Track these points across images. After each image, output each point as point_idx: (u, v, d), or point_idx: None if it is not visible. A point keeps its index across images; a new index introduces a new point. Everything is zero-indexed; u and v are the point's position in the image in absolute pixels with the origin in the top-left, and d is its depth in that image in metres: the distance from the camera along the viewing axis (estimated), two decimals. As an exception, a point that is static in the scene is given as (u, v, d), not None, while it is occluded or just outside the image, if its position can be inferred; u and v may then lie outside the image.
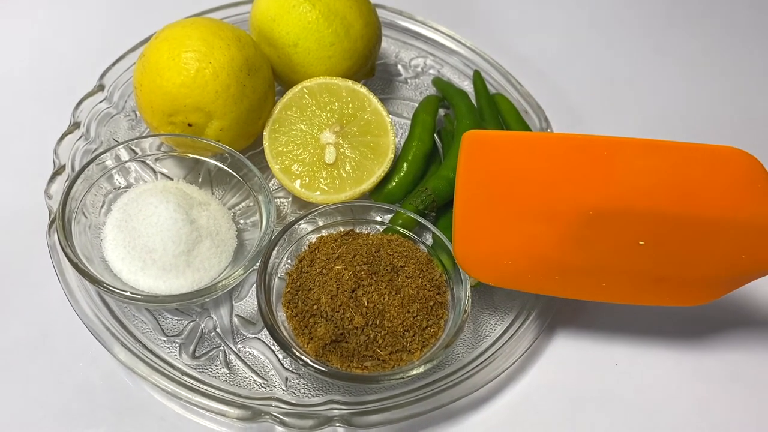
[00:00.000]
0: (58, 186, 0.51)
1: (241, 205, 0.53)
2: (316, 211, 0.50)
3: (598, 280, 0.45)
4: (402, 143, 0.57)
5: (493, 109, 0.61)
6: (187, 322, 0.48)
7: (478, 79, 0.64)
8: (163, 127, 0.51)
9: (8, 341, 0.47)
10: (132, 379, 0.47)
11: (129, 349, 0.45)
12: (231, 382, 0.46)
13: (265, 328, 0.46)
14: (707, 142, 0.43)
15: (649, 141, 0.43)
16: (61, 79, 0.63)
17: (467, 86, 0.65)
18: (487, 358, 0.48)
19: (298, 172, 0.53)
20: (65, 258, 0.45)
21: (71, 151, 0.54)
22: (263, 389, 0.46)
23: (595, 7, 0.80)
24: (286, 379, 0.46)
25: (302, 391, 0.46)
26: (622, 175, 0.43)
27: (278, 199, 0.56)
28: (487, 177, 0.44)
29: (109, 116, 0.57)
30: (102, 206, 0.50)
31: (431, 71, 0.67)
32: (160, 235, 0.46)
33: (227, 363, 0.47)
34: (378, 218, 0.52)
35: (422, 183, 0.54)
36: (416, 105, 0.60)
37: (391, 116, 0.54)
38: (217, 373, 0.46)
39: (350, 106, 0.54)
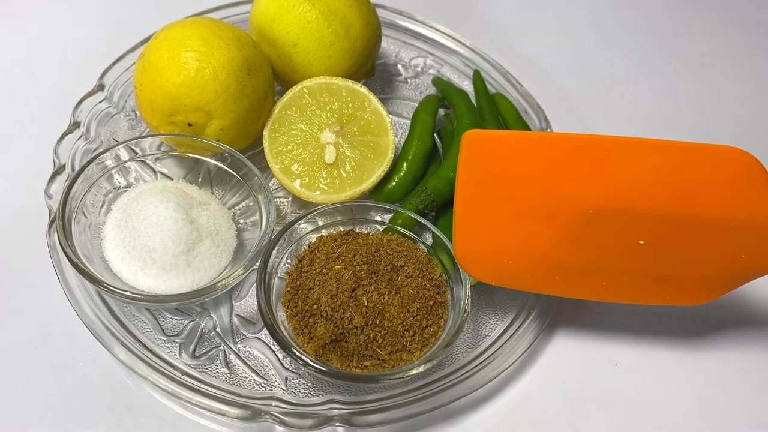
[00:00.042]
0: (58, 186, 0.51)
1: (241, 205, 0.53)
2: (315, 210, 0.50)
3: (598, 279, 0.45)
4: (402, 143, 0.57)
5: (493, 109, 0.61)
6: (187, 321, 0.48)
7: (477, 78, 0.64)
8: (163, 126, 0.51)
9: (8, 341, 0.47)
10: (132, 378, 0.47)
11: (129, 349, 0.45)
12: (231, 382, 0.46)
13: (264, 328, 0.46)
14: (707, 142, 0.43)
15: (649, 141, 0.43)
16: (61, 79, 0.63)
17: (467, 86, 0.65)
18: (486, 358, 0.48)
19: (298, 172, 0.53)
20: (65, 258, 0.45)
21: (71, 151, 0.54)
22: (263, 389, 0.46)
23: (595, 7, 0.80)
24: (286, 378, 0.46)
25: (302, 390, 0.46)
26: (622, 174, 0.43)
27: (278, 199, 0.56)
28: (488, 176, 0.44)
29: (109, 116, 0.57)
30: (102, 206, 0.50)
31: (431, 71, 0.67)
32: (160, 234, 0.46)
33: (227, 363, 0.47)
34: (378, 218, 0.52)
35: (422, 183, 0.54)
36: (416, 105, 0.60)
37: (390, 116, 0.54)
38: (217, 372, 0.46)
39: (350, 105, 0.54)
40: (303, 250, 0.50)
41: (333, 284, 0.46)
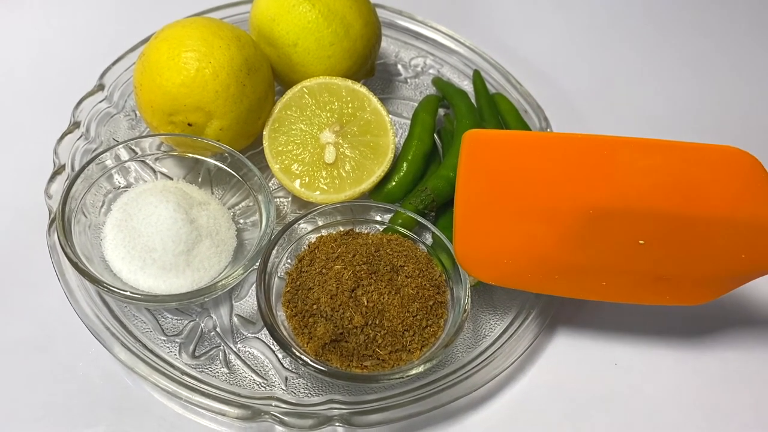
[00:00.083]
0: (58, 186, 0.51)
1: (240, 205, 0.53)
2: (315, 210, 0.50)
3: (599, 279, 0.45)
4: (402, 143, 0.57)
5: (493, 109, 0.61)
6: (186, 321, 0.48)
7: (477, 78, 0.64)
8: (163, 126, 0.51)
9: (8, 341, 0.47)
10: (132, 378, 0.47)
11: (129, 349, 0.45)
12: (231, 382, 0.46)
13: (264, 328, 0.46)
14: (708, 142, 0.43)
15: (649, 141, 0.43)
16: (61, 79, 0.63)
17: (467, 86, 0.65)
18: (486, 358, 0.48)
19: (297, 172, 0.53)
20: (65, 258, 0.45)
21: (71, 151, 0.54)
22: (263, 389, 0.46)
23: (595, 7, 0.80)
24: (286, 378, 0.46)
25: (302, 390, 0.46)
26: (622, 174, 0.43)
27: (278, 199, 0.56)
28: (488, 176, 0.44)
29: (109, 116, 0.57)
30: (102, 206, 0.50)
31: (431, 71, 0.67)
32: (160, 234, 0.46)
33: (227, 362, 0.47)
34: (378, 218, 0.52)
35: (422, 183, 0.54)
36: (416, 105, 0.60)
37: (390, 116, 0.54)
38: (217, 372, 0.46)
39: (350, 105, 0.54)
40: (303, 250, 0.50)
41: (333, 284, 0.46)
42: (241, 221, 0.52)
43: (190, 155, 0.53)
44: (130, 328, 0.47)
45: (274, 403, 0.44)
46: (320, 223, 0.51)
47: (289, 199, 0.56)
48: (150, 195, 0.49)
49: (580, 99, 0.69)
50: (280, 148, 0.53)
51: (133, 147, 0.52)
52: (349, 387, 0.46)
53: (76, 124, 0.55)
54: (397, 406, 0.44)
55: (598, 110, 0.68)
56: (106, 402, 0.45)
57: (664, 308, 0.52)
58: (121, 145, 0.51)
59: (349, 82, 0.54)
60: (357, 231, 0.51)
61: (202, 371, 0.46)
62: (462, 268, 0.46)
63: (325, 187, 0.52)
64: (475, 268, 0.46)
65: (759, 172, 0.42)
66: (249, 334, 0.48)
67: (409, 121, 0.59)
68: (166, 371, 0.44)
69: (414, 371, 0.43)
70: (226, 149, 0.51)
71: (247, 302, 0.50)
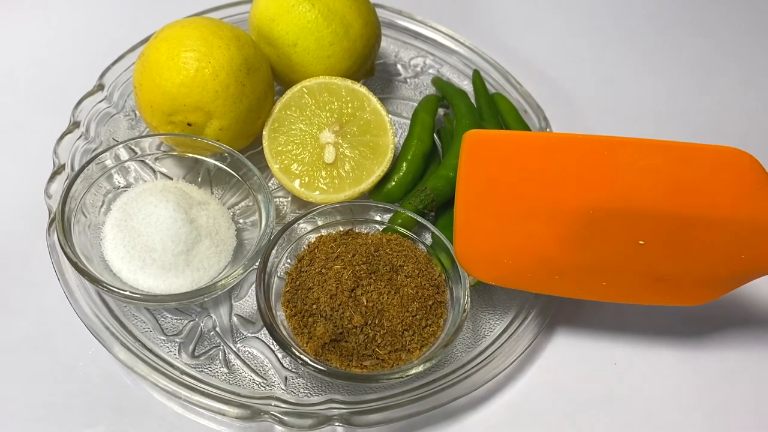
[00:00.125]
0: (58, 185, 0.51)
1: (240, 205, 0.53)
2: (315, 210, 0.50)
3: (599, 279, 0.45)
4: (401, 143, 0.57)
5: (493, 109, 0.61)
6: (186, 321, 0.48)
7: (477, 78, 0.64)
8: (163, 126, 0.51)
9: (8, 341, 0.47)
10: (131, 378, 0.47)
11: (128, 349, 0.45)
12: (230, 382, 0.46)
13: (264, 328, 0.46)
14: (708, 142, 0.43)
15: (649, 141, 0.43)
16: (61, 79, 0.63)
17: (467, 86, 0.65)
18: (486, 358, 0.48)
19: (297, 172, 0.53)
20: (65, 257, 0.45)
21: (71, 151, 0.54)
22: (263, 388, 0.46)
23: (594, 6, 0.80)
24: (286, 378, 0.46)
25: (301, 390, 0.46)
26: (622, 174, 0.43)
27: (278, 199, 0.56)
28: (488, 176, 0.44)
29: (109, 116, 0.57)
30: (101, 206, 0.50)
31: (431, 71, 0.67)
32: (160, 234, 0.46)
33: (227, 362, 0.47)
34: (377, 218, 0.52)
35: (421, 182, 0.54)
36: (416, 104, 0.60)
37: (390, 116, 0.54)
38: (217, 372, 0.46)
39: (350, 105, 0.54)
40: (302, 249, 0.50)
41: (332, 284, 0.46)
42: (241, 221, 0.52)
43: (190, 155, 0.53)
44: (130, 327, 0.47)
45: (273, 402, 0.44)
46: (320, 223, 0.51)
47: (289, 198, 0.56)
48: (150, 195, 0.49)
49: (580, 99, 0.69)
50: (279, 148, 0.53)
51: (132, 147, 0.52)
52: (348, 387, 0.46)
53: (75, 124, 0.55)
54: (397, 405, 0.44)
55: (598, 110, 0.68)
56: (105, 401, 0.45)
57: (664, 308, 0.52)
58: (120, 145, 0.51)
59: (348, 82, 0.54)
60: (356, 231, 0.51)
61: (202, 371, 0.46)
62: (462, 268, 0.46)
63: (325, 187, 0.52)
64: (475, 267, 0.46)
65: (759, 173, 0.42)
66: (249, 334, 0.48)
67: (408, 121, 0.59)
68: (165, 371, 0.44)
69: (413, 371, 0.43)
70: (225, 149, 0.51)
71: (247, 302, 0.50)
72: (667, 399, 0.49)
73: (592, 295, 0.46)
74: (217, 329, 0.48)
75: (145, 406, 0.46)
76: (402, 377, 0.43)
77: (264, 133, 0.53)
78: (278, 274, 0.48)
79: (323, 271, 0.47)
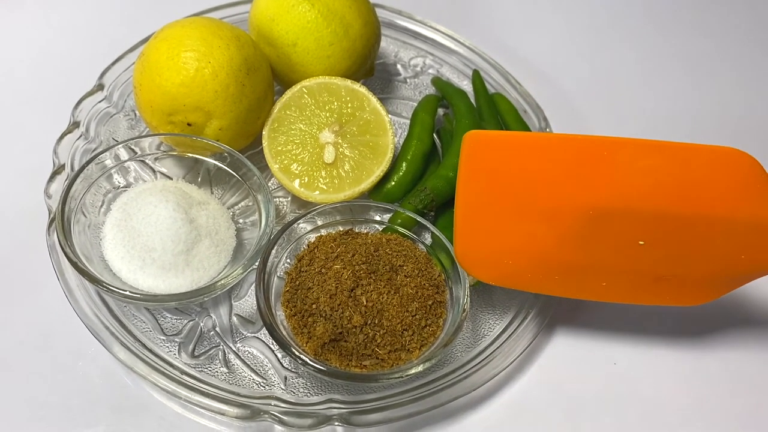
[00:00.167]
0: (58, 185, 0.51)
1: (240, 205, 0.53)
2: (315, 210, 0.50)
3: (599, 279, 0.45)
4: (401, 143, 0.57)
5: (492, 109, 0.61)
6: (186, 321, 0.48)
7: (477, 78, 0.64)
8: (163, 126, 0.51)
9: (8, 341, 0.47)
10: (131, 378, 0.47)
11: (128, 349, 0.45)
12: (230, 381, 0.46)
13: (264, 327, 0.46)
14: (707, 143, 0.43)
15: (649, 141, 0.43)
16: (60, 79, 0.63)
17: (466, 86, 0.65)
18: (485, 357, 0.48)
19: (297, 172, 0.53)
20: (65, 257, 0.45)
21: (71, 151, 0.54)
22: (262, 388, 0.46)
23: (594, 6, 0.80)
24: (285, 378, 0.46)
25: (301, 390, 0.46)
26: (622, 175, 0.43)
27: (277, 199, 0.56)
28: (488, 176, 0.44)
29: (109, 116, 0.57)
30: (101, 205, 0.50)
31: (430, 71, 0.67)
32: (160, 234, 0.46)
33: (226, 362, 0.47)
34: (377, 218, 0.52)
35: (421, 182, 0.54)
36: (415, 104, 0.60)
37: (390, 116, 0.54)
38: (217, 372, 0.46)
39: (349, 105, 0.54)
40: (302, 249, 0.50)
41: (332, 284, 0.46)
42: (241, 221, 0.52)
43: (190, 155, 0.53)
44: (130, 327, 0.47)
45: (273, 402, 0.44)
46: (319, 223, 0.51)
47: (289, 198, 0.56)
48: (149, 195, 0.49)
49: (579, 99, 0.69)
50: (279, 148, 0.53)
51: (132, 147, 0.52)
52: (348, 386, 0.46)
53: (75, 124, 0.55)
54: (397, 405, 0.44)
55: (598, 110, 0.68)
56: (105, 401, 0.45)
57: (664, 308, 0.52)
58: (120, 145, 0.51)
59: (348, 82, 0.54)
60: (356, 231, 0.51)
61: (202, 371, 0.46)
62: (461, 268, 0.46)
63: (325, 187, 0.52)
64: (475, 267, 0.46)
65: (758, 173, 0.42)
66: (248, 334, 0.48)
67: (408, 121, 0.59)
68: (165, 371, 0.45)
69: (413, 371, 0.43)
70: (225, 149, 0.51)
71: (247, 302, 0.50)
72: (667, 399, 0.49)
73: (592, 295, 0.46)
74: (217, 329, 0.48)
75: (145, 406, 0.46)
76: (402, 377, 0.43)
77: (264, 133, 0.53)
78: (278, 274, 0.48)
79: (323, 270, 0.47)
